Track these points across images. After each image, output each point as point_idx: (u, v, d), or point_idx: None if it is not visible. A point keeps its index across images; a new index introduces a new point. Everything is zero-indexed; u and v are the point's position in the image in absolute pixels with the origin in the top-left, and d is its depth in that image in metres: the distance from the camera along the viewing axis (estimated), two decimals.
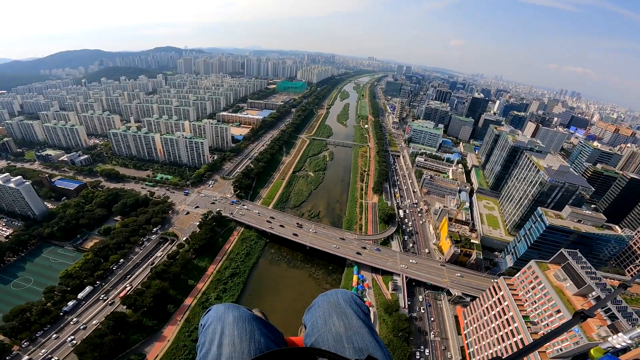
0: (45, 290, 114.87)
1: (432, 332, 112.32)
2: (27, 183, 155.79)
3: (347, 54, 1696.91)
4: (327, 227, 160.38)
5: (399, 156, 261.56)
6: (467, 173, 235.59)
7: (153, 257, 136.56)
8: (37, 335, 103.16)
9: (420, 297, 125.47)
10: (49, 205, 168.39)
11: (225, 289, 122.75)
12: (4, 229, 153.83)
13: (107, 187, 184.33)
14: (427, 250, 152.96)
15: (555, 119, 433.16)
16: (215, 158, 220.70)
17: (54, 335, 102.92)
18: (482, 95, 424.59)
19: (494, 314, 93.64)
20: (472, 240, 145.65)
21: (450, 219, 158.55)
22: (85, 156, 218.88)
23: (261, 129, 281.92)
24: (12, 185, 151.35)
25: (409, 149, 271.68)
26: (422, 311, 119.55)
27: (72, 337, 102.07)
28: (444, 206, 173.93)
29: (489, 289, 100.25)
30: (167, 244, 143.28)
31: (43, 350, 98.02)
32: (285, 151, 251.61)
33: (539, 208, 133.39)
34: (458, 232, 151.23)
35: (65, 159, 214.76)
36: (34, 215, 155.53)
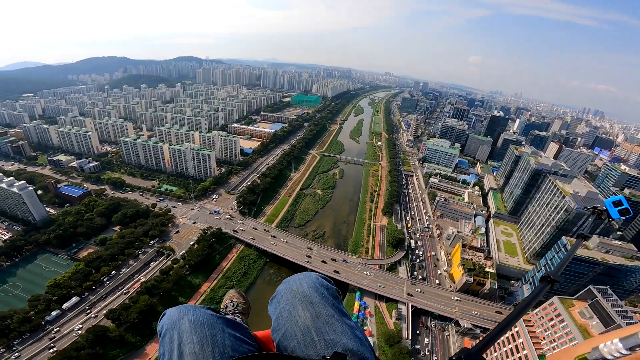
0: (30, 298, 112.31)
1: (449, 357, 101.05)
2: (30, 188, 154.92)
3: (364, 69, 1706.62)
4: (332, 250, 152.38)
5: (412, 176, 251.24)
6: (484, 196, 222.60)
7: (145, 271, 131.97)
8: (14, 342, 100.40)
9: (422, 324, 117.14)
10: (52, 211, 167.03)
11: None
12: (3, 232, 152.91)
13: (112, 195, 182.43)
14: (437, 280, 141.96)
15: (579, 139, 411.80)
16: (222, 171, 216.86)
17: (31, 344, 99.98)
18: (501, 113, 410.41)
19: (507, 351, 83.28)
20: (486, 269, 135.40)
21: (464, 245, 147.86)
22: (95, 163, 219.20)
23: (272, 142, 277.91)
24: (15, 189, 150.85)
25: (423, 168, 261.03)
26: (427, 342, 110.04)
27: (50, 347, 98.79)
28: (458, 231, 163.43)
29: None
30: (162, 258, 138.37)
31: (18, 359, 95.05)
32: (294, 167, 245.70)
33: (563, 237, 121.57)
34: (472, 259, 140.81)
35: (75, 165, 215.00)
36: (35, 220, 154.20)
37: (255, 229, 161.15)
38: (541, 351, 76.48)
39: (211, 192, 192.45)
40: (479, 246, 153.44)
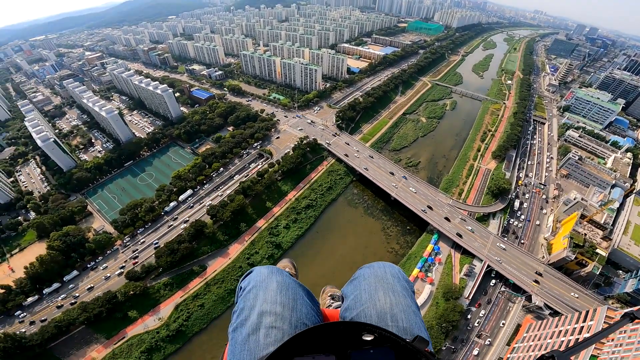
0: (158, 188, 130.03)
1: (481, 334, 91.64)
2: (170, 91, 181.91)
3: (505, 3, 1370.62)
4: (421, 182, 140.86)
5: (544, 124, 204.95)
6: (636, 167, 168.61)
7: (246, 170, 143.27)
8: (137, 232, 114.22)
9: (492, 283, 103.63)
10: (185, 110, 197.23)
11: (296, 219, 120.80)
12: (148, 126, 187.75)
13: (230, 99, 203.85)
14: (532, 247, 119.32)
15: None
16: (326, 86, 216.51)
17: (150, 234, 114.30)
18: None
19: (562, 342, 70.30)
20: (598, 250, 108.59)
21: (583, 217, 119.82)
22: (220, 72, 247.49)
23: (380, 65, 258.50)
24: (159, 91, 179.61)
25: (562, 118, 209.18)
26: (484, 309, 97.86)
27: (158, 240, 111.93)
28: (582, 198, 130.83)
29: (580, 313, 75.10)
30: (262, 160, 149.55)
31: (136, 248, 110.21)
32: (401, 91, 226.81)
33: None
34: (585, 235, 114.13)
35: (205, 73, 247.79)
36: (172, 117, 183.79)
37: (348, 144, 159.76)
38: (597, 352, 65.47)
39: (314, 104, 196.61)
40: (602, 222, 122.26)
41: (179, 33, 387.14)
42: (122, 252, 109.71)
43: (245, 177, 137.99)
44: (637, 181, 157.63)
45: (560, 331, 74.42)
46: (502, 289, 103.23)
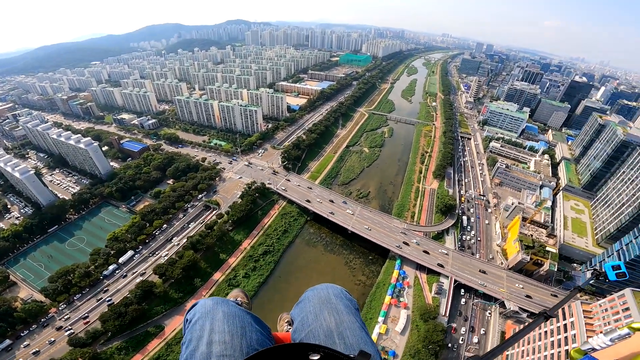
0: (92, 252, 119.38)
1: (468, 348, 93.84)
2: (95, 144, 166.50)
3: (419, 30, 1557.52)
4: (375, 211, 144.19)
5: (469, 139, 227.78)
6: (555, 166, 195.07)
7: (193, 225, 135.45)
8: (74, 298, 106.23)
9: (463, 300, 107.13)
10: (116, 165, 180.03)
11: (255, 267, 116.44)
12: (73, 186, 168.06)
13: (167, 150, 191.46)
14: (490, 255, 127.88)
15: None
16: (268, 127, 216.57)
17: (89, 299, 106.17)
18: (584, 79, 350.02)
19: (553, 341, 73.98)
20: (547, 248, 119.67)
21: (524, 219, 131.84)
22: (153, 120, 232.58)
23: (319, 100, 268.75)
24: (82, 145, 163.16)
25: (483, 132, 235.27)
26: (464, 322, 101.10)
27: (109, 300, 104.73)
28: (519, 202, 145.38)
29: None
30: (208, 212, 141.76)
31: (76, 314, 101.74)
32: (341, 124, 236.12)
33: None
34: (531, 235, 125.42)
35: (136, 123, 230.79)
36: (100, 174, 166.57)
37: (299, 185, 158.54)
38: None
39: (257, 147, 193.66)
40: (542, 221, 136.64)
41: (103, 79, 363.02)
42: (61, 319, 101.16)
43: (193, 231, 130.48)
44: (559, 178, 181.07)
45: (546, 332, 77.15)
46: (475, 300, 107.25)
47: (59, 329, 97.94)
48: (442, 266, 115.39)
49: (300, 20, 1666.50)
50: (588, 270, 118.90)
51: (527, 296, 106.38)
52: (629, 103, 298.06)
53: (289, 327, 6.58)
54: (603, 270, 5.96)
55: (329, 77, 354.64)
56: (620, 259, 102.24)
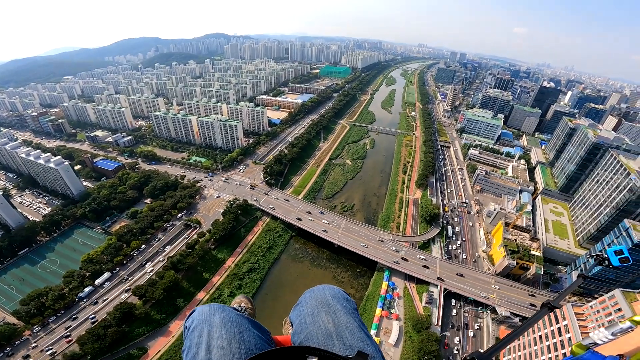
0: (65, 274, 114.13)
1: (465, 357, 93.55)
2: (66, 163, 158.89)
3: (396, 41, 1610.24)
4: (360, 224, 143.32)
5: (449, 147, 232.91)
6: (531, 170, 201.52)
7: (173, 244, 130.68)
8: (49, 320, 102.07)
9: (454, 311, 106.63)
10: (89, 185, 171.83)
11: (240, 285, 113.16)
12: (44, 207, 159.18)
13: (143, 168, 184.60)
14: (474, 260, 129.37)
15: None
16: (249, 142, 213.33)
17: (65, 322, 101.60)
18: (551, 84, 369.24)
19: (549, 345, 73.91)
20: (532, 252, 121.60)
21: (507, 224, 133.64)
22: (129, 137, 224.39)
23: (300, 113, 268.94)
24: (52, 165, 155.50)
25: (461, 140, 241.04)
26: (457, 330, 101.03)
27: (92, 318, 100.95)
28: (501, 208, 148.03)
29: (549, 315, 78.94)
30: (189, 231, 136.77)
31: (51, 337, 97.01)
32: (323, 137, 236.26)
33: (625, 220, 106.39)
34: (515, 240, 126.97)
35: (111, 140, 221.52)
36: (73, 194, 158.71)
37: (287, 200, 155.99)
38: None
39: (238, 163, 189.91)
40: (524, 226, 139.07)
41: (76, 95, 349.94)
42: (36, 342, 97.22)
43: (172, 251, 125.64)
44: (537, 182, 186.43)
45: (541, 336, 76.74)
46: (466, 307, 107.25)
47: (42, 350, 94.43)
48: (427, 267, 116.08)
49: (280, 34, 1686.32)
50: (574, 271, 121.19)
51: (532, 304, 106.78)
52: (596, 106, 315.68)
53: (291, 329, 6.04)
54: (606, 255, 5.79)
55: (309, 89, 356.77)
56: None
